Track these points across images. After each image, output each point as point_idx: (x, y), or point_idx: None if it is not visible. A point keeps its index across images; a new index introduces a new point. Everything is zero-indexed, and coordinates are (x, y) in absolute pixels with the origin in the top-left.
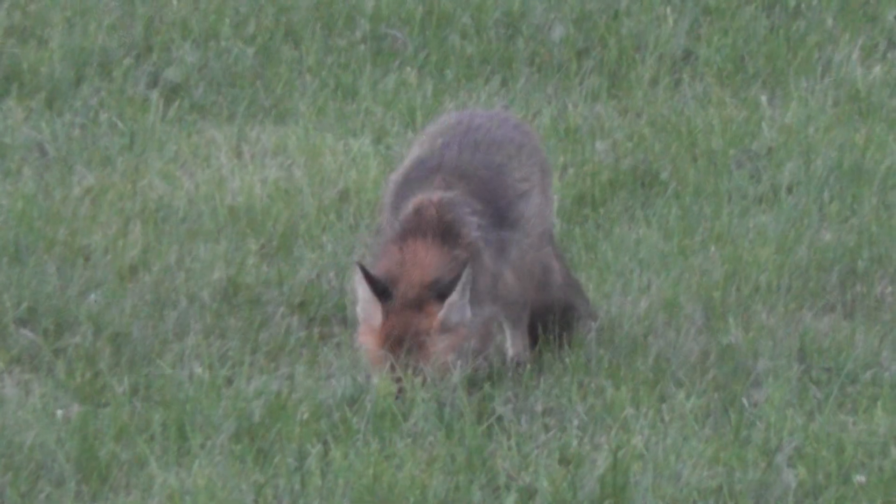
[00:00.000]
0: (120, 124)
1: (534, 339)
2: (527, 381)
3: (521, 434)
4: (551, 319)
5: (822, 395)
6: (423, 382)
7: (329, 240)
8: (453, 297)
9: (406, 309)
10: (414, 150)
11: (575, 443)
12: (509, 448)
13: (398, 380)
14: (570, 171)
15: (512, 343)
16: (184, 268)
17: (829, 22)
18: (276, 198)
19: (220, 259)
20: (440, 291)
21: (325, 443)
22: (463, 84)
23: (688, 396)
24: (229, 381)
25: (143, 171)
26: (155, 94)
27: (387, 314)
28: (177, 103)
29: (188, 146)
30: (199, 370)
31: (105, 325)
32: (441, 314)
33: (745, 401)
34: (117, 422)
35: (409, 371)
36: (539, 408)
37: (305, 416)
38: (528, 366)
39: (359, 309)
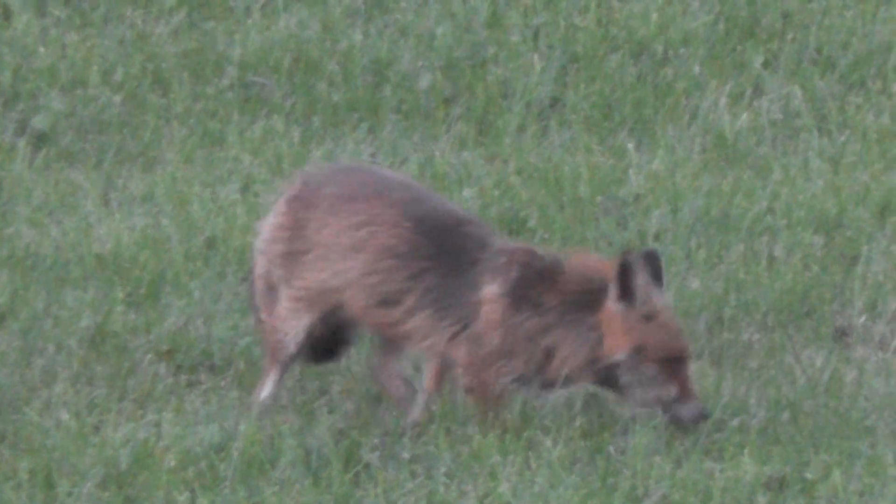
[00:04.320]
0: None
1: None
2: (394, 429)
3: (388, 481)
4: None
5: (688, 443)
6: None
7: (196, 287)
8: None
9: None
10: None
11: (442, 490)
12: (376, 496)
13: None
14: None
15: None
16: (51, 315)
17: (697, 69)
18: (144, 245)
19: (88, 306)
20: None
21: (192, 491)
22: (330, 132)
23: (555, 444)
24: (96, 429)
25: (10, 219)
26: (22, 142)
27: None
28: (44, 151)
29: (56, 193)
30: (66, 417)
31: None
32: None
33: (611, 448)
34: None
35: None
36: (406, 455)
37: (172, 463)
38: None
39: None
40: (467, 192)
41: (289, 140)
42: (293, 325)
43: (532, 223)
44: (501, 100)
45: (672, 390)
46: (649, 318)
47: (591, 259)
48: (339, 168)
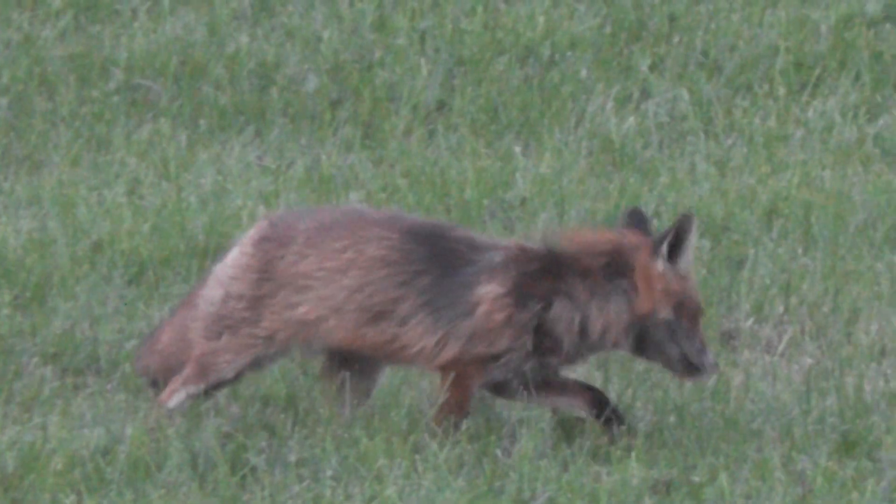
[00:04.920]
0: None
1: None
2: (280, 431)
3: (274, 484)
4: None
5: (575, 446)
6: None
7: (83, 290)
8: None
9: None
10: None
11: (328, 493)
12: (263, 498)
13: None
14: None
15: None
16: None
17: (584, 73)
18: (30, 248)
19: None
20: None
21: (78, 493)
22: (217, 134)
23: (442, 447)
24: None
25: None
26: None
27: None
28: None
29: None
30: None
31: None
32: None
33: (498, 451)
34: None
35: None
36: (293, 458)
37: (59, 466)
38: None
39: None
40: (354, 196)
41: (175, 143)
42: (241, 358)
43: None
44: (388, 103)
45: (698, 343)
46: (685, 276)
47: (585, 234)
48: (308, 208)
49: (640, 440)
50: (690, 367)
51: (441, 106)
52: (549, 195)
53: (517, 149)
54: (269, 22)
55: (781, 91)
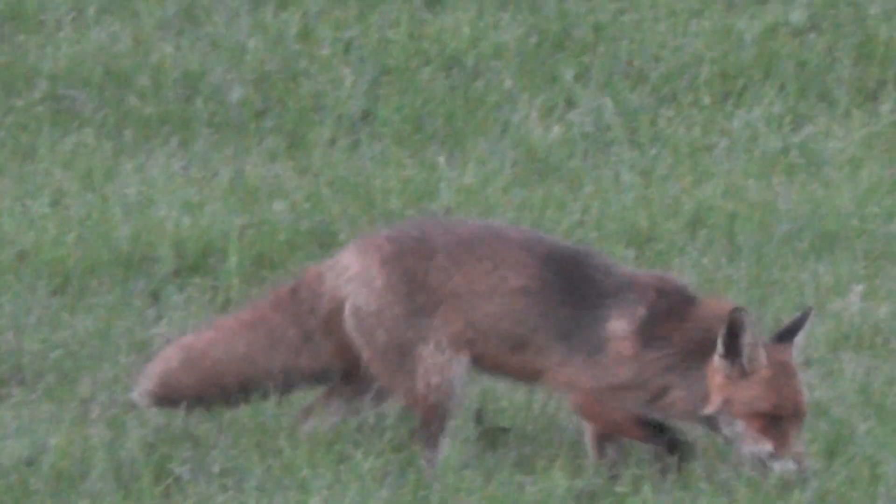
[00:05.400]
0: None
1: None
2: (205, 441)
3: (199, 494)
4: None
5: (499, 456)
6: None
7: (7, 300)
8: None
9: None
10: None
11: (253, 503)
12: None
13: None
14: (249, 231)
15: None
16: None
17: (508, 82)
18: None
19: None
20: None
21: None
22: (141, 145)
23: (366, 457)
24: None
25: None
26: None
27: None
28: None
29: None
30: None
31: None
32: None
33: (422, 461)
34: None
35: None
36: (217, 468)
37: None
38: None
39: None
40: (278, 206)
41: (100, 153)
42: (454, 371)
43: (343, 236)
44: (313, 113)
45: (766, 447)
46: (747, 374)
47: (725, 305)
48: (423, 220)
49: (563, 450)
50: (758, 465)
51: (366, 116)
52: (474, 205)
53: (442, 158)
54: (193, 32)
55: (706, 100)
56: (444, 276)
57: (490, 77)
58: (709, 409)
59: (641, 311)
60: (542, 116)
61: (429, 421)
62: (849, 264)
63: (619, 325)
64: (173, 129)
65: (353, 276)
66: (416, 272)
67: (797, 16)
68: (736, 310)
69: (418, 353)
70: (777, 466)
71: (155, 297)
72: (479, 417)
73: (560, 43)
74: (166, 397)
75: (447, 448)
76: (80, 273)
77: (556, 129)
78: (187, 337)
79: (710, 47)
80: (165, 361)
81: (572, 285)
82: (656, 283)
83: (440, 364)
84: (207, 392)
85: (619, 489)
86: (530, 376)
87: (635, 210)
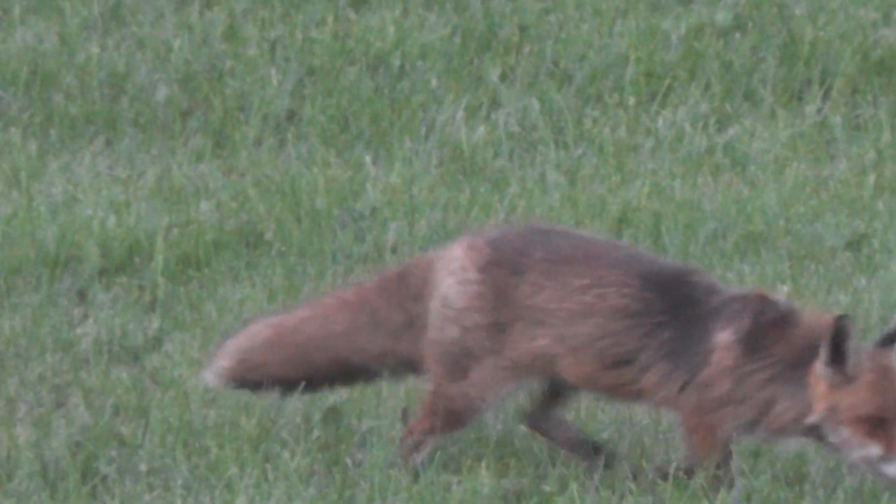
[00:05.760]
0: None
1: None
2: (131, 441)
3: (125, 494)
4: None
5: (425, 455)
6: None
7: None
8: None
9: None
10: None
11: (179, 502)
12: None
13: None
14: (175, 231)
15: None
16: None
17: (434, 82)
18: None
19: None
20: None
21: None
22: (67, 144)
23: (292, 456)
24: None
25: None
26: None
27: None
28: None
29: None
30: None
31: None
32: None
33: (349, 461)
34: None
35: None
36: (143, 467)
37: None
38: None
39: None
40: (204, 205)
41: (26, 153)
42: (497, 392)
43: (269, 236)
44: (239, 112)
45: (874, 450)
46: (850, 379)
47: (824, 315)
48: (530, 229)
49: (490, 449)
50: (868, 469)
51: (291, 115)
52: (400, 205)
53: (367, 158)
54: (119, 31)
55: (631, 101)
56: (533, 291)
57: (415, 77)
58: (813, 418)
59: (746, 322)
60: (468, 116)
61: (437, 421)
62: (774, 264)
63: (724, 336)
64: (99, 128)
65: (454, 270)
66: (506, 287)
67: (722, 16)
68: (841, 317)
69: (478, 362)
70: (889, 469)
71: (81, 296)
72: (405, 416)
73: (485, 43)
74: (243, 377)
75: (429, 452)
76: (6, 272)
77: (482, 129)
78: (275, 315)
79: (635, 47)
80: (250, 337)
81: (675, 304)
82: (759, 295)
83: (489, 383)
84: (291, 372)
85: (545, 488)
86: (628, 394)
87: (561, 210)
